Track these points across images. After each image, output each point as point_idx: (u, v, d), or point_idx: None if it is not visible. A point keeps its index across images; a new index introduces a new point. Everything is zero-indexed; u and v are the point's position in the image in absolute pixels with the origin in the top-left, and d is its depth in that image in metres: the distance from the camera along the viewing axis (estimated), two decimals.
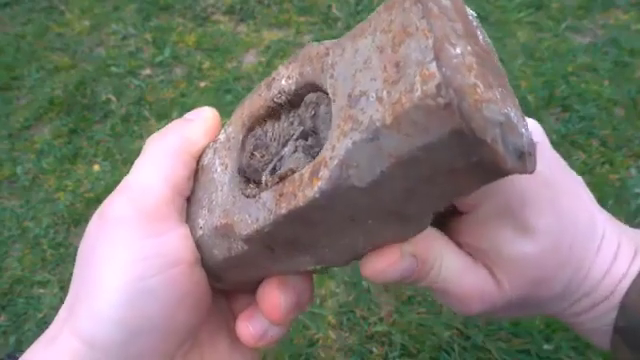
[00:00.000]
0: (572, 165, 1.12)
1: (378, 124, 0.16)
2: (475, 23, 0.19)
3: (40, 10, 1.77)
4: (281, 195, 0.19)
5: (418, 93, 0.15)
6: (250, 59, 1.53)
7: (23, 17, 1.75)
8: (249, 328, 0.24)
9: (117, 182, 1.08)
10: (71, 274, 0.95)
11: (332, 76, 0.19)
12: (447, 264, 0.24)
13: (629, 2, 1.57)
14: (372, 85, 0.17)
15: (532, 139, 0.18)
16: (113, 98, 1.43)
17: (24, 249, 1.12)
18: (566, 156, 1.18)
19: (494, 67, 0.19)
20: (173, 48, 1.57)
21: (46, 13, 1.75)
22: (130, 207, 0.22)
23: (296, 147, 0.21)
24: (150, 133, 1.28)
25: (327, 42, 0.21)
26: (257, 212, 0.20)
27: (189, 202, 0.25)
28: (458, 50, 0.16)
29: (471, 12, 0.20)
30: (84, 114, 1.40)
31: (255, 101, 0.24)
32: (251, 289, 0.26)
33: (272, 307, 0.23)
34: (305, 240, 0.21)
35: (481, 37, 0.19)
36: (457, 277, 0.25)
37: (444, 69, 0.15)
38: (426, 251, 0.23)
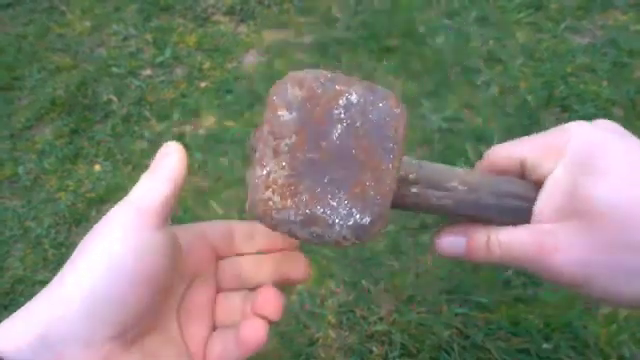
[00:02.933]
0: None
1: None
2: (354, 110, 0.25)
3: (41, 11, 1.77)
4: None
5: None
6: (250, 59, 1.53)
7: (24, 18, 1.75)
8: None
9: (118, 182, 1.08)
10: None
11: None
12: (499, 233, 0.28)
13: (628, 3, 1.57)
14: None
15: (362, 222, 0.24)
16: (114, 98, 1.44)
17: (26, 249, 1.13)
18: None
19: (344, 165, 0.25)
20: (174, 48, 1.57)
21: (47, 14, 1.76)
22: (125, 211, 0.26)
23: None
24: (151, 133, 1.28)
25: None
26: None
27: None
28: (264, 171, 0.24)
29: (354, 96, 0.25)
30: (85, 114, 1.41)
31: None
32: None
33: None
34: None
35: (356, 123, 0.25)
36: (512, 237, 0.27)
37: (249, 191, 0.24)
38: (470, 228, 0.29)
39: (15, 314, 0.25)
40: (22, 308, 0.25)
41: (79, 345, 0.24)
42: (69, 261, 0.26)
